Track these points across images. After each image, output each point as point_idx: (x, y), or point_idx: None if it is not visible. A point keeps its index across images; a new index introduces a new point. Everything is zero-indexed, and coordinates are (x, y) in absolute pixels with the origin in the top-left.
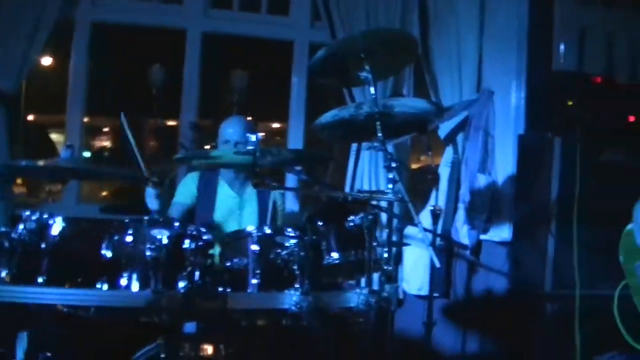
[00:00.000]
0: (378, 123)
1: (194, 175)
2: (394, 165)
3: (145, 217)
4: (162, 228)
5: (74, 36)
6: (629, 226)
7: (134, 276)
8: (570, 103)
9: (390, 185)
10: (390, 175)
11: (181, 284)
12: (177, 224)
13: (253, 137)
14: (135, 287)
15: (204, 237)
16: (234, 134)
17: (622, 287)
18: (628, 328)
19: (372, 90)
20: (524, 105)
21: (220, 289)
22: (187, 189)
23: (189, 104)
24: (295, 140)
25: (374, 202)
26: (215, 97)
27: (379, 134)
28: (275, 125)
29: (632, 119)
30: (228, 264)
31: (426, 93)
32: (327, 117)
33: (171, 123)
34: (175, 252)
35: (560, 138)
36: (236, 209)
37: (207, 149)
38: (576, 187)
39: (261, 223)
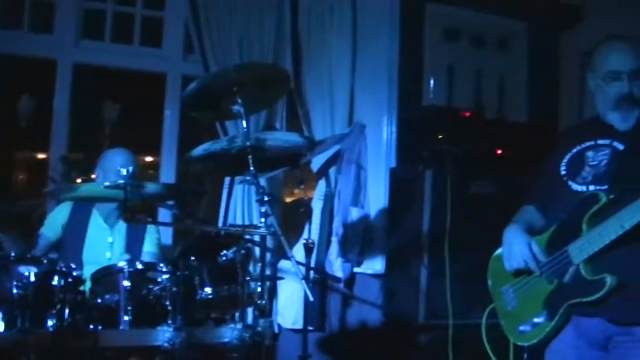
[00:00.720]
0: (250, 157)
1: (66, 206)
2: (266, 199)
3: (12, 254)
4: (29, 265)
5: None
6: (498, 251)
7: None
8: (440, 137)
9: (263, 219)
10: (263, 209)
11: (50, 322)
12: (45, 260)
13: (124, 171)
14: (0, 326)
15: (74, 274)
16: (126, 163)
17: (489, 311)
18: (496, 351)
19: (244, 123)
20: (396, 139)
21: (91, 326)
22: (53, 222)
23: (59, 136)
24: (168, 174)
25: (246, 236)
26: (86, 129)
27: (251, 168)
28: (148, 158)
29: (499, 151)
30: (99, 300)
31: (299, 126)
32: (199, 150)
33: (41, 156)
34: (43, 289)
35: (431, 171)
36: (107, 242)
37: (79, 182)
38: (447, 218)
39: (133, 258)
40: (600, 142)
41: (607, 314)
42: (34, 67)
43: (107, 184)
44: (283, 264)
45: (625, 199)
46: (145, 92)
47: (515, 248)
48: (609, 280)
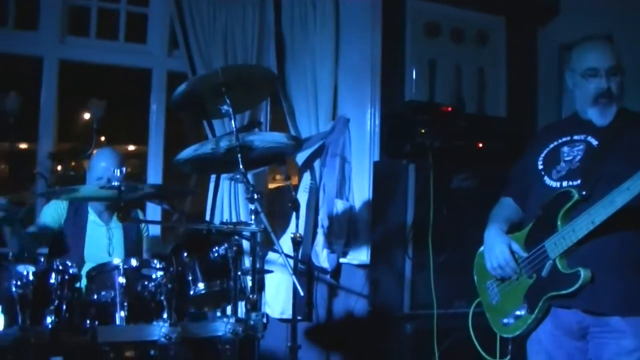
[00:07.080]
0: (239, 156)
1: (61, 202)
2: (256, 196)
3: (10, 254)
4: (27, 264)
5: None
6: (482, 248)
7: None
8: (422, 131)
9: (253, 216)
10: (253, 207)
11: (49, 319)
12: (42, 258)
13: (118, 172)
14: (0, 325)
15: (70, 271)
16: (107, 170)
17: (476, 304)
18: (481, 342)
19: (232, 124)
20: (379, 133)
21: (88, 322)
22: (55, 212)
23: (46, 133)
24: (155, 167)
25: (238, 233)
26: (73, 125)
27: (241, 167)
28: (131, 147)
29: (480, 145)
30: (95, 297)
31: (284, 121)
32: (188, 152)
33: (23, 146)
34: (41, 287)
35: (414, 164)
36: (105, 239)
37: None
38: (430, 211)
39: (128, 254)
40: (575, 137)
41: (582, 305)
42: (20, 64)
43: (101, 185)
44: (270, 255)
45: (595, 195)
46: (132, 87)
47: (496, 249)
48: (583, 273)
